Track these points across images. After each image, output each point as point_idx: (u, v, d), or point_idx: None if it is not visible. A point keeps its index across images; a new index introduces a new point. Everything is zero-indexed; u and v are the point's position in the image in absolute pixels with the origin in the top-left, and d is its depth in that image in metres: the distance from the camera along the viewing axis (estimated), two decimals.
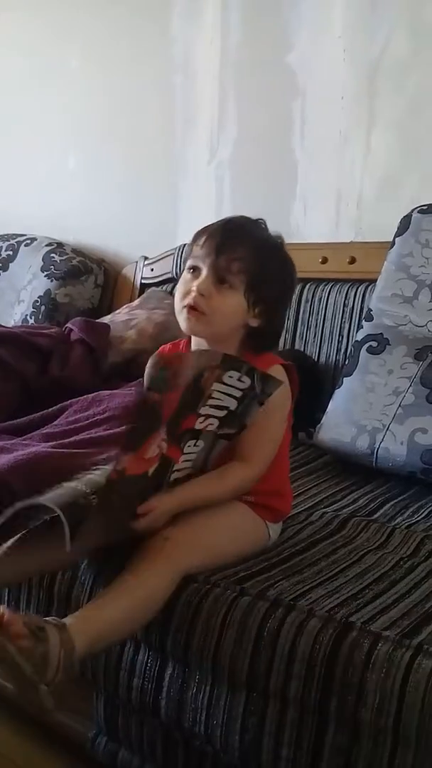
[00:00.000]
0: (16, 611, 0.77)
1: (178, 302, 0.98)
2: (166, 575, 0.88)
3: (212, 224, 0.99)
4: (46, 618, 0.81)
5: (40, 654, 0.75)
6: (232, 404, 0.90)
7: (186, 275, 0.99)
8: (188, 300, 0.96)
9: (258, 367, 0.91)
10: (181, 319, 0.98)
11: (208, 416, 0.90)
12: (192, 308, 0.96)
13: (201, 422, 0.90)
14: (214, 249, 0.95)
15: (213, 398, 0.89)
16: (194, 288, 0.95)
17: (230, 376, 0.88)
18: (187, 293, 0.97)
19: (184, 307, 0.97)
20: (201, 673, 0.87)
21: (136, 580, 0.86)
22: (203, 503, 0.95)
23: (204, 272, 0.96)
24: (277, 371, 0.97)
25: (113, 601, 0.85)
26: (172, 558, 0.89)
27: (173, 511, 0.92)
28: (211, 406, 0.89)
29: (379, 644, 0.78)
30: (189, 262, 0.99)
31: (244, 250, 0.95)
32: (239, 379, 0.88)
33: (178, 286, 1.00)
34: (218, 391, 0.89)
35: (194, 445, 0.91)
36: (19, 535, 0.88)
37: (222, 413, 0.90)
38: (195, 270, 0.97)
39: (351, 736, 0.77)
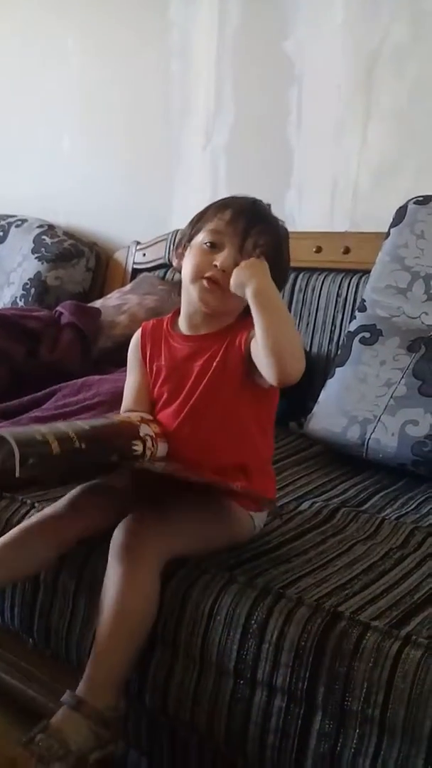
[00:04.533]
0: (26, 746, 0.79)
1: (195, 272, 0.97)
2: (148, 579, 0.87)
3: (234, 202, 0.98)
4: (63, 698, 0.82)
5: (64, 754, 0.78)
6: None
7: (203, 247, 0.97)
8: (210, 273, 0.95)
9: (237, 329, 0.97)
10: (197, 288, 0.97)
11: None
12: (212, 282, 0.95)
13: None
14: (243, 230, 0.95)
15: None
16: (217, 263, 0.95)
17: None
18: (208, 265, 0.96)
19: (204, 278, 0.96)
20: (188, 660, 0.87)
21: (122, 608, 0.85)
22: (273, 306, 0.90)
23: (227, 250, 0.95)
24: None
25: (112, 651, 0.85)
26: (147, 554, 0.87)
27: (246, 274, 0.90)
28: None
29: (368, 634, 0.78)
30: (207, 235, 0.97)
31: (269, 236, 0.96)
32: None
33: (192, 255, 0.98)
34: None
35: None
36: None
37: None
38: (214, 245, 0.96)
39: (338, 725, 0.77)
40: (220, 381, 0.97)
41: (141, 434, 0.95)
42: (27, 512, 1.06)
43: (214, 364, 0.97)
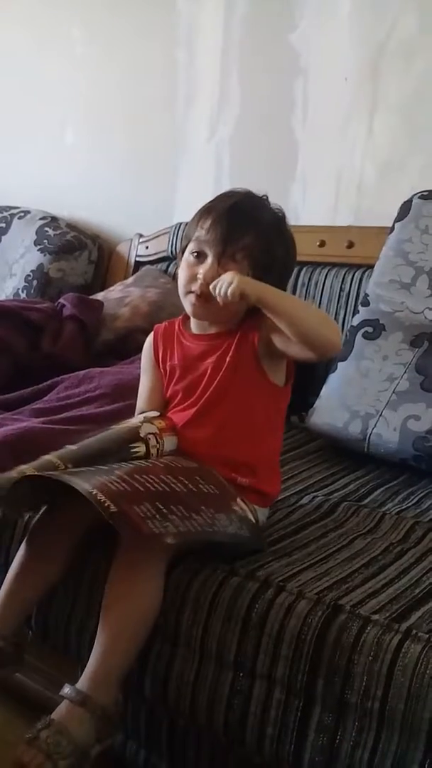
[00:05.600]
0: (32, 742, 0.78)
1: (183, 286, 0.98)
2: (154, 578, 0.87)
3: (217, 205, 0.97)
4: (65, 692, 0.82)
5: (71, 751, 0.78)
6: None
7: (190, 258, 0.98)
8: (195, 288, 0.96)
9: (259, 314, 0.95)
10: (187, 303, 0.98)
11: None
12: (199, 296, 0.96)
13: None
14: (220, 239, 0.94)
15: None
16: (200, 276, 0.95)
17: None
18: (192, 279, 0.96)
19: (191, 293, 0.97)
20: (188, 651, 0.87)
21: (128, 605, 0.85)
22: (284, 306, 0.89)
23: (210, 260, 0.95)
24: None
25: (117, 647, 0.84)
26: (155, 553, 0.87)
27: (248, 286, 0.88)
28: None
29: (368, 628, 0.78)
30: (193, 245, 0.97)
31: (250, 239, 0.94)
32: None
33: (181, 268, 1.00)
34: None
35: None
36: None
37: None
38: (200, 255, 0.97)
39: (337, 717, 0.77)
40: (232, 377, 0.97)
41: (142, 435, 0.96)
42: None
43: (227, 360, 0.98)
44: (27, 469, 0.88)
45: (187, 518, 0.82)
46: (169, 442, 0.99)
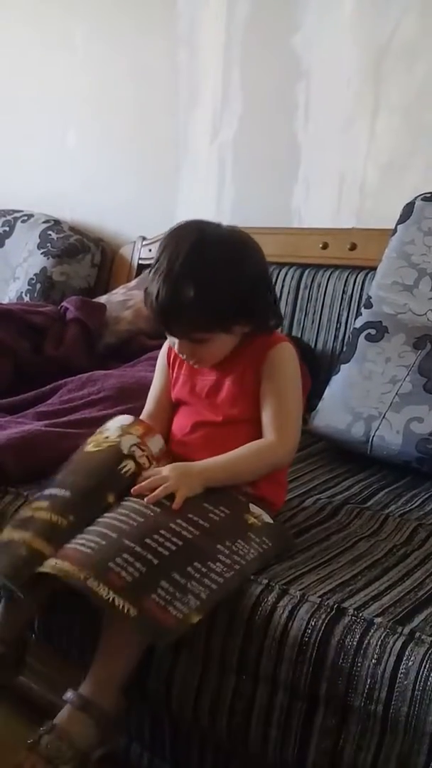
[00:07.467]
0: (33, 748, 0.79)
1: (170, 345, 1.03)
2: None
3: (150, 293, 0.93)
4: (68, 697, 0.82)
5: (72, 756, 0.78)
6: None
7: None
8: (180, 357, 1.01)
9: (266, 345, 0.99)
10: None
11: None
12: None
13: None
14: (165, 328, 0.97)
15: None
16: (176, 348, 0.98)
17: None
18: (173, 344, 1.00)
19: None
20: (191, 655, 0.87)
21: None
22: (228, 478, 0.94)
23: (175, 339, 0.98)
24: (284, 348, 1.00)
25: (120, 651, 0.84)
26: None
27: (194, 479, 0.90)
28: None
29: (372, 630, 0.78)
30: None
31: (191, 312, 0.91)
32: None
33: None
34: None
35: None
36: None
37: None
38: None
39: (340, 720, 0.77)
40: (234, 396, 0.99)
41: (126, 452, 0.95)
42: (21, 505, 1.05)
43: (226, 382, 0.99)
44: (29, 538, 0.87)
45: (205, 575, 0.82)
46: (154, 443, 0.98)
